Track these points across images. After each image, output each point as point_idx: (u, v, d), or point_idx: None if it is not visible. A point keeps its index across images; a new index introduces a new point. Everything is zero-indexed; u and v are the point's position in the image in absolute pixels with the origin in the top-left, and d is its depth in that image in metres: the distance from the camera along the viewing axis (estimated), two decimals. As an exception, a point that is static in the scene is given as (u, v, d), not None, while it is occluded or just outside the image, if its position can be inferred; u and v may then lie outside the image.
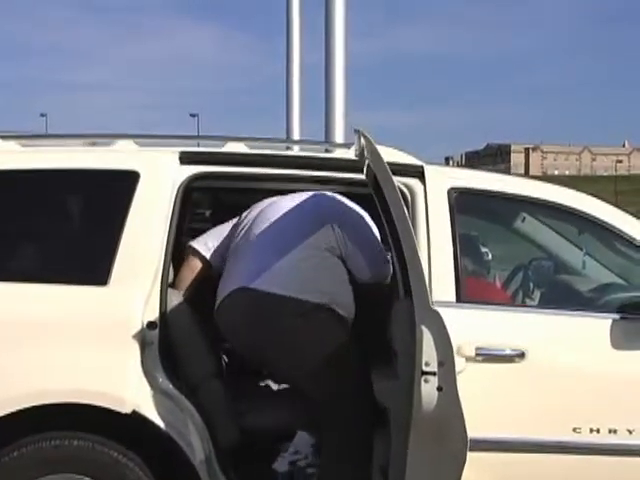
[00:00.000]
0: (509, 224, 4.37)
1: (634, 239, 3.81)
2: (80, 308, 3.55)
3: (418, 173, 3.83)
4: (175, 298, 3.80)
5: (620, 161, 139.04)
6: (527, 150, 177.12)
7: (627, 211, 3.94)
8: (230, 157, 3.90)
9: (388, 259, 3.91)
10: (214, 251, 4.09)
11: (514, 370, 3.52)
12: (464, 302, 3.61)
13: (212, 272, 4.07)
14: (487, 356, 3.49)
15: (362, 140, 3.50)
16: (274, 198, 4.03)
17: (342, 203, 3.98)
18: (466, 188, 3.84)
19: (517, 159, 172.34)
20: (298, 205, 3.91)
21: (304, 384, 3.77)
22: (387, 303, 3.77)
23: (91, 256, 3.69)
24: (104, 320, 3.53)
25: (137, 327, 3.52)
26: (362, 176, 3.63)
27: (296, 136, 10.95)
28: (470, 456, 3.09)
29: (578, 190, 4.01)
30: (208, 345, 3.87)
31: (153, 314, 3.57)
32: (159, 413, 3.50)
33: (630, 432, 3.55)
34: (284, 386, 4.24)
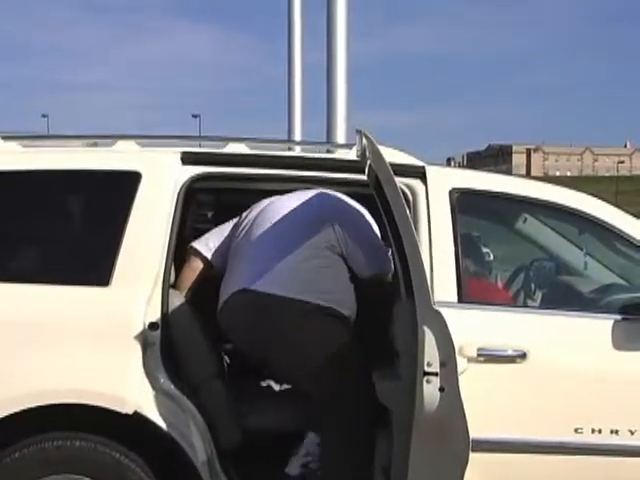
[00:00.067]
0: (511, 225, 4.37)
1: (635, 239, 3.81)
2: (82, 309, 3.55)
3: (420, 174, 3.83)
4: (177, 299, 3.81)
5: (622, 162, 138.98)
6: (529, 151, 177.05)
7: (628, 211, 3.94)
8: (232, 158, 3.90)
9: (389, 256, 3.92)
10: (215, 251, 4.09)
11: (516, 371, 3.52)
12: (466, 303, 3.61)
13: (213, 272, 4.08)
14: (489, 356, 3.49)
15: (364, 140, 3.50)
16: (274, 197, 4.03)
17: (341, 201, 3.98)
18: (468, 189, 3.84)
19: (519, 160, 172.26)
20: (298, 205, 3.91)
21: (305, 384, 3.77)
22: (389, 303, 3.77)
23: (93, 257, 3.70)
24: (106, 321, 3.54)
25: (139, 328, 3.52)
26: (364, 176, 3.63)
27: (298, 137, 10.94)
28: (472, 457, 3.08)
29: (580, 191, 4.01)
30: (210, 346, 3.87)
31: (155, 315, 3.57)
32: (161, 414, 3.50)
33: (632, 433, 3.54)
34: (286, 386, 4.25)
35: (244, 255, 3.92)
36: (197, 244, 4.13)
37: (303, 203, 3.91)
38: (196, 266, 4.09)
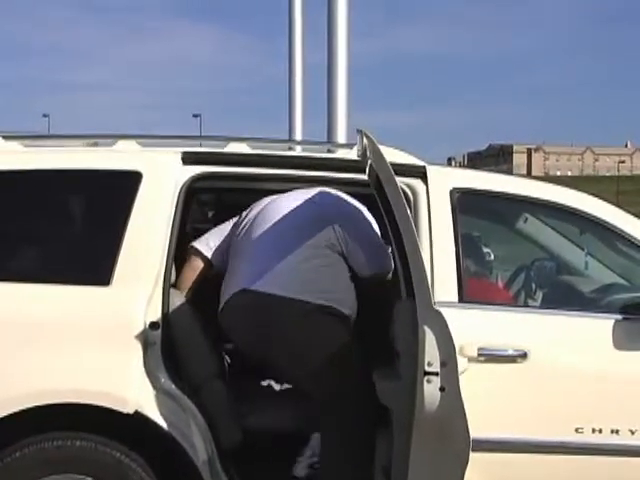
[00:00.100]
0: (511, 224, 4.37)
1: (636, 239, 3.81)
2: (83, 308, 3.55)
3: (420, 173, 3.83)
4: (177, 298, 3.81)
5: (623, 161, 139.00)
6: (529, 150, 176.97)
7: (629, 211, 3.94)
8: (232, 157, 3.90)
9: (389, 254, 3.92)
10: (215, 250, 4.10)
11: (516, 370, 3.52)
12: (466, 302, 3.61)
13: (214, 271, 4.08)
14: (489, 356, 3.49)
15: (364, 140, 3.50)
16: (274, 196, 4.03)
17: (341, 200, 3.98)
18: (468, 188, 3.84)
19: (519, 160, 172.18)
20: (298, 204, 3.91)
21: (305, 384, 3.77)
22: (389, 302, 3.77)
23: (94, 256, 3.70)
24: (106, 320, 3.54)
25: (139, 327, 3.52)
26: (364, 176, 3.63)
27: (298, 136, 10.95)
28: (472, 456, 3.09)
29: (580, 190, 4.01)
30: (210, 345, 3.88)
31: (155, 314, 3.58)
32: (161, 413, 3.50)
33: (632, 432, 3.54)
34: (286, 386, 4.25)
35: (245, 255, 3.92)
36: (197, 244, 4.13)
37: (303, 202, 3.91)
38: (197, 265, 4.09)
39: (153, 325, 3.54)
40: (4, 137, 3.86)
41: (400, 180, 3.53)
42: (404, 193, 3.66)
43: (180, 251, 3.99)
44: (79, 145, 4.04)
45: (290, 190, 4.04)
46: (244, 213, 4.09)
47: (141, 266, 3.62)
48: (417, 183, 3.82)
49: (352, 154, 3.90)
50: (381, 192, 3.37)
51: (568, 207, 3.87)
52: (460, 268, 3.66)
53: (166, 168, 3.77)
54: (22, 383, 3.45)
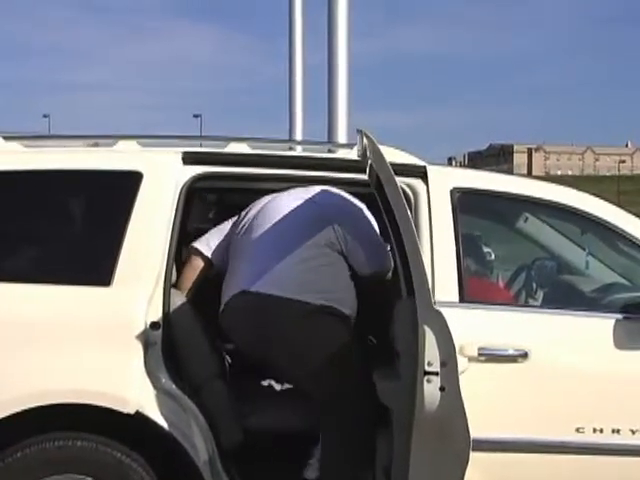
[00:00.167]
0: (512, 224, 4.37)
1: (637, 239, 3.81)
2: (83, 309, 3.55)
3: (421, 173, 3.83)
4: (178, 298, 3.81)
5: (623, 161, 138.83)
6: (530, 150, 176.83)
7: (630, 211, 3.94)
8: (233, 157, 3.90)
9: (389, 253, 3.92)
10: (215, 249, 4.10)
11: (517, 370, 3.52)
12: (467, 302, 3.61)
13: (214, 271, 4.08)
14: (490, 356, 3.49)
15: (365, 140, 3.50)
16: (273, 195, 4.03)
17: (341, 198, 3.98)
18: (469, 188, 3.84)
19: (520, 159, 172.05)
20: (298, 204, 3.91)
21: (305, 384, 3.77)
22: (389, 302, 3.77)
23: (94, 257, 3.70)
24: (107, 321, 3.54)
25: (140, 327, 3.52)
26: (365, 176, 3.63)
27: (299, 136, 10.94)
28: (473, 456, 3.09)
29: (581, 190, 4.01)
30: (211, 345, 3.88)
31: (156, 314, 3.58)
32: (162, 413, 3.50)
33: (633, 432, 3.55)
34: (287, 386, 4.25)
35: (245, 255, 3.92)
36: (198, 244, 4.13)
37: (303, 202, 3.91)
38: (197, 265, 4.09)
39: (154, 325, 3.55)
40: (4, 137, 3.86)
41: (401, 180, 3.53)
42: (405, 193, 3.67)
43: (181, 251, 3.99)
44: (79, 145, 4.04)
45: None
46: (244, 212, 4.09)
47: (142, 266, 3.62)
48: (418, 183, 3.82)
49: (352, 154, 3.90)
50: (381, 192, 3.37)
51: (569, 207, 3.88)
52: (461, 268, 3.66)
53: (166, 168, 3.77)
54: (23, 383, 3.45)
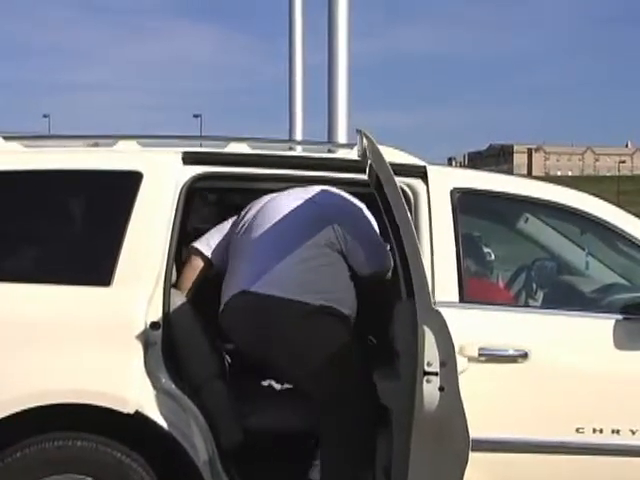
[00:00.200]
0: (512, 224, 4.37)
1: (636, 239, 3.81)
2: (83, 309, 3.55)
3: (421, 173, 3.83)
4: (178, 298, 3.81)
5: (623, 161, 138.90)
6: (530, 150, 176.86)
7: (630, 211, 3.94)
8: (233, 157, 3.90)
9: (388, 252, 3.92)
10: (215, 249, 4.10)
11: (517, 370, 3.52)
12: (467, 302, 3.61)
13: (214, 271, 4.08)
14: (490, 356, 3.49)
15: (364, 140, 3.50)
16: (273, 195, 4.03)
17: (340, 198, 3.98)
18: (469, 188, 3.84)
19: (520, 160, 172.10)
20: (298, 204, 3.90)
21: (305, 384, 3.77)
22: (389, 302, 3.77)
23: (94, 257, 3.70)
24: (107, 321, 3.54)
25: (140, 327, 3.52)
26: (365, 176, 3.63)
27: (299, 136, 10.94)
28: (472, 456, 3.08)
29: (581, 190, 4.01)
30: (211, 346, 3.88)
31: (156, 314, 3.58)
32: (162, 413, 3.50)
33: (633, 432, 3.55)
34: (287, 386, 4.25)
35: (244, 255, 3.92)
36: (198, 244, 4.13)
37: (303, 202, 3.90)
38: (197, 265, 4.09)
39: (154, 325, 3.55)
40: (5, 137, 3.86)
41: (401, 180, 3.53)
42: (404, 193, 3.67)
43: (181, 251, 3.99)
44: (79, 145, 4.04)
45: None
46: (243, 212, 4.09)
47: (142, 266, 3.62)
48: (418, 183, 3.82)
49: (352, 154, 3.90)
50: (381, 192, 3.37)
51: (569, 207, 3.88)
52: (461, 268, 3.66)
53: (166, 168, 3.77)
54: (23, 383, 3.45)
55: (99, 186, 3.79)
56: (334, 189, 3.98)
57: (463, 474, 3.11)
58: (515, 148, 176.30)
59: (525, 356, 3.51)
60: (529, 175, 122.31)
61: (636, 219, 3.86)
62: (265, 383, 4.30)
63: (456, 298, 3.60)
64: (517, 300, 4.31)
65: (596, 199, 3.93)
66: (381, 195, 3.40)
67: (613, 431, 3.54)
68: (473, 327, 3.54)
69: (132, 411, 3.46)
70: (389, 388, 3.53)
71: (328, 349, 3.68)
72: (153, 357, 3.54)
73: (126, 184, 3.70)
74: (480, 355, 3.47)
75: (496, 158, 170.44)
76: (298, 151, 4.57)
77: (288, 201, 3.94)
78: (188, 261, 4.11)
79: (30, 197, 3.77)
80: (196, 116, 55.98)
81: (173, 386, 3.55)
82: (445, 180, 3.83)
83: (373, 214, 3.96)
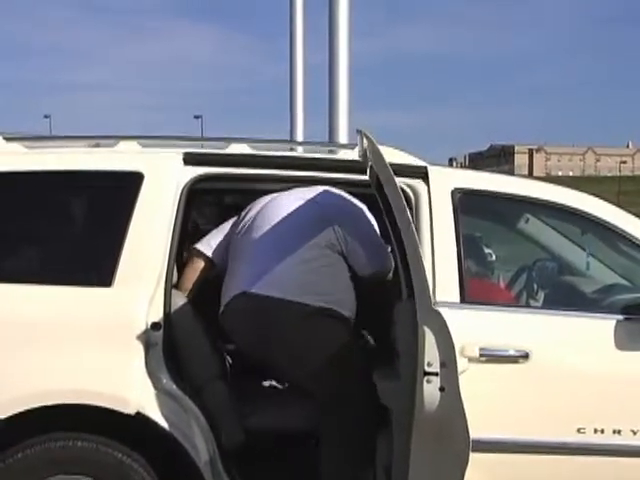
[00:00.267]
0: (513, 225, 4.37)
1: (637, 240, 3.80)
2: (84, 309, 3.56)
3: (422, 174, 3.83)
4: (179, 299, 3.81)
5: (624, 162, 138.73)
6: (531, 151, 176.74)
7: (630, 212, 3.94)
8: (234, 158, 3.90)
9: (389, 253, 3.92)
10: (216, 249, 4.10)
11: (518, 371, 3.52)
12: (468, 303, 3.61)
13: (215, 271, 4.08)
14: (491, 357, 3.49)
15: (365, 141, 3.50)
16: (273, 195, 4.03)
17: (341, 198, 3.98)
18: (470, 189, 3.84)
19: (521, 160, 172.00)
20: (298, 205, 3.90)
21: (306, 384, 3.77)
22: (389, 302, 3.77)
23: (95, 257, 3.70)
24: (108, 321, 3.54)
25: (141, 328, 3.53)
26: (366, 177, 3.64)
27: (300, 137, 10.94)
28: (473, 457, 3.08)
29: (582, 191, 4.01)
30: (212, 346, 3.88)
31: (157, 315, 3.58)
32: (163, 414, 3.50)
33: (634, 433, 3.55)
34: (288, 387, 4.25)
35: (245, 256, 3.92)
36: (199, 245, 4.14)
37: (303, 202, 3.90)
38: (198, 266, 4.09)
39: (155, 326, 3.55)
40: (6, 138, 3.86)
41: (401, 180, 3.53)
42: (405, 193, 3.67)
43: (182, 252, 3.99)
44: (81, 146, 4.04)
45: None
46: (243, 212, 4.09)
47: (143, 267, 3.62)
48: (418, 183, 3.82)
49: (353, 155, 3.90)
50: (382, 193, 3.37)
51: (569, 207, 3.87)
52: (462, 269, 3.66)
53: (167, 169, 3.77)
54: (25, 384, 3.46)
55: (100, 187, 3.79)
56: (335, 189, 3.98)
57: (463, 474, 3.11)
58: (516, 148, 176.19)
59: (526, 356, 3.50)
60: (530, 175, 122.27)
61: (637, 219, 3.86)
62: (266, 383, 4.30)
63: (457, 298, 3.60)
64: (518, 300, 4.31)
65: (597, 199, 3.93)
66: (382, 196, 3.41)
67: (614, 431, 3.54)
68: (474, 327, 3.53)
69: (133, 412, 3.46)
70: (389, 388, 3.53)
71: (328, 350, 3.68)
72: (154, 358, 3.54)
73: (127, 185, 3.71)
74: (481, 355, 3.46)
75: (497, 158, 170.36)
76: (299, 152, 4.58)
77: (288, 202, 3.94)
78: (189, 262, 4.11)
79: (31, 198, 3.77)
80: (197, 117, 56.06)
81: (174, 387, 3.56)
82: (446, 180, 3.83)
83: (375, 215, 3.96)
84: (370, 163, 3.50)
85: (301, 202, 3.91)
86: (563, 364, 3.58)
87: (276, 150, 4.15)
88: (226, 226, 4.17)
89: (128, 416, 3.46)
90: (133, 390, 3.50)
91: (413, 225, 3.21)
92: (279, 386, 4.30)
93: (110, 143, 3.97)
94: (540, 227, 4.34)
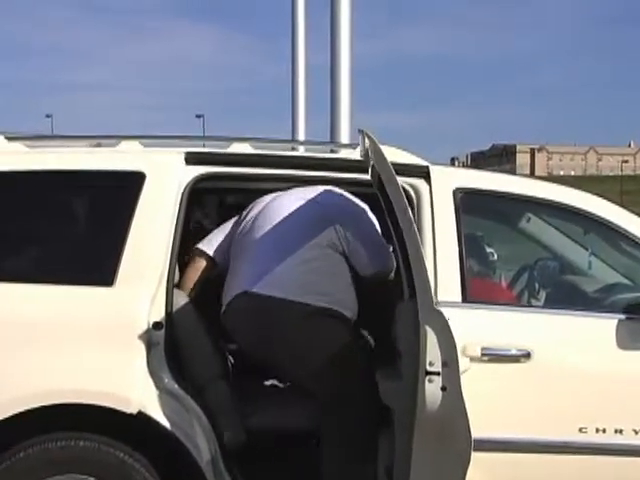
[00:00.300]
0: (515, 224, 4.37)
1: (639, 239, 3.80)
2: (86, 309, 3.56)
3: (423, 173, 3.83)
4: (181, 298, 3.81)
5: (626, 161, 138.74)
6: (533, 150, 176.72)
7: (633, 211, 3.94)
8: (236, 158, 3.90)
9: (391, 253, 3.91)
10: (218, 248, 4.10)
11: (520, 370, 3.52)
12: (469, 302, 3.61)
13: (217, 270, 4.08)
14: (493, 356, 3.49)
15: (366, 140, 3.50)
16: (274, 195, 4.03)
17: (343, 198, 3.98)
18: (471, 188, 3.84)
19: (523, 159, 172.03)
20: (299, 204, 3.90)
21: (307, 384, 3.77)
22: (392, 303, 3.77)
23: (97, 257, 3.70)
24: (110, 321, 3.54)
25: (143, 327, 3.53)
26: (367, 176, 3.63)
27: (301, 136, 10.94)
28: (475, 456, 3.09)
29: (584, 190, 4.00)
30: (214, 346, 3.88)
31: (159, 314, 3.58)
32: (165, 414, 3.50)
33: (636, 432, 3.54)
34: (289, 386, 4.24)
35: (246, 256, 3.92)
36: (201, 245, 4.14)
37: (305, 202, 3.90)
38: (200, 266, 4.09)
39: (157, 325, 3.55)
40: (7, 138, 3.87)
41: (403, 180, 3.53)
42: (407, 193, 3.67)
43: (184, 251, 3.99)
44: (82, 146, 4.05)
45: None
46: (245, 211, 4.09)
47: (145, 266, 3.62)
48: (420, 183, 3.82)
49: (355, 154, 3.90)
50: (384, 192, 3.37)
51: (571, 207, 3.87)
52: (463, 268, 3.66)
53: (169, 168, 3.78)
54: (26, 383, 3.46)
55: (102, 186, 3.79)
56: (336, 189, 3.98)
57: (465, 474, 3.11)
58: (518, 148, 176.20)
59: (528, 356, 3.50)
60: (532, 175, 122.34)
61: (639, 219, 3.86)
62: (267, 383, 4.30)
63: (459, 298, 3.60)
64: (520, 300, 4.30)
65: (599, 199, 3.93)
66: (383, 195, 3.40)
67: (616, 431, 3.54)
68: (476, 327, 3.53)
69: (135, 411, 3.46)
70: (391, 388, 3.53)
71: (329, 350, 3.68)
72: (156, 357, 3.54)
73: (129, 184, 3.71)
74: (483, 355, 3.46)
75: (499, 158, 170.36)
76: (300, 151, 4.58)
77: (290, 201, 3.94)
78: (191, 262, 4.11)
79: (33, 197, 3.77)
80: (199, 116, 56.13)
81: (176, 386, 3.56)
82: (448, 180, 3.82)
83: (377, 215, 3.96)
84: (372, 163, 3.50)
85: (303, 202, 3.90)
86: (565, 363, 3.58)
87: (278, 149, 4.15)
88: (228, 225, 4.17)
89: (130, 416, 3.46)
90: (135, 390, 3.50)
91: (415, 225, 3.21)
92: (280, 386, 4.30)
93: (112, 143, 3.97)
94: (542, 226, 4.34)
